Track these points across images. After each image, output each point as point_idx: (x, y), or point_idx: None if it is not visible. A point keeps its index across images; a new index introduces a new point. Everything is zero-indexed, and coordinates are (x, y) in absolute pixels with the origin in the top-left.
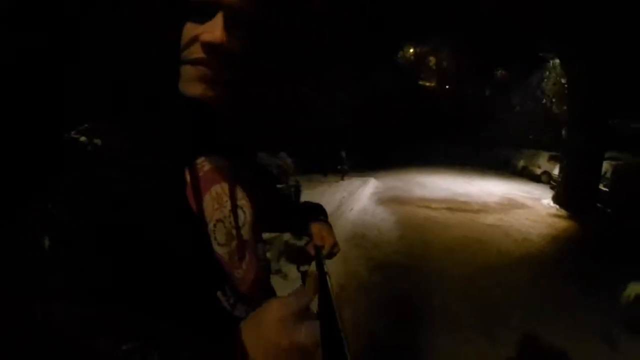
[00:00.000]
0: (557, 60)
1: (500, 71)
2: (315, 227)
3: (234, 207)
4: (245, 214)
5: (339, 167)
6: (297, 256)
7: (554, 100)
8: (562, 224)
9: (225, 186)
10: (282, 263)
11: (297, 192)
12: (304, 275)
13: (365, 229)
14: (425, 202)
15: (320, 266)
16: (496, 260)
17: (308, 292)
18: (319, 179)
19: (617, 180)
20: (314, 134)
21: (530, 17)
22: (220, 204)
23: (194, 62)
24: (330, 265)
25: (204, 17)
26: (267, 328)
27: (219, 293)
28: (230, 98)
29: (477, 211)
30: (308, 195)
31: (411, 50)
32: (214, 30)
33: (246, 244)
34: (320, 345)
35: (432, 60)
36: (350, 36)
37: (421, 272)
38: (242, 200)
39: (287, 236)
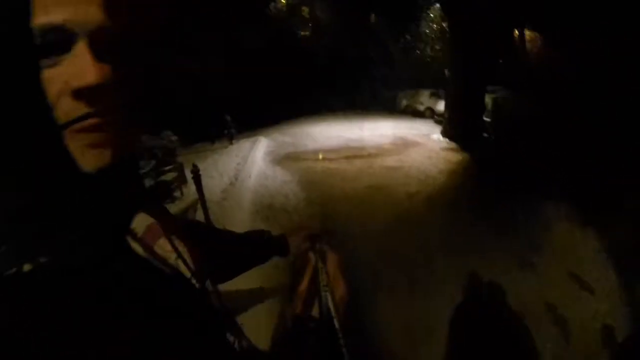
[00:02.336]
0: (437, 5)
1: (375, 18)
2: (331, 266)
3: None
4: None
5: (225, 131)
6: None
7: (429, 43)
8: (456, 157)
9: (165, 240)
10: None
11: (182, 175)
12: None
13: (270, 197)
14: (321, 154)
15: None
16: (407, 203)
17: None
18: (207, 147)
19: (497, 112)
20: (194, 102)
21: None
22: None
23: (77, 123)
24: None
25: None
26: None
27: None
28: (130, 135)
29: (375, 155)
30: (202, 169)
31: (283, 1)
32: (81, 68)
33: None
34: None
35: (306, 10)
36: None
37: (340, 233)
38: (185, 253)
39: None
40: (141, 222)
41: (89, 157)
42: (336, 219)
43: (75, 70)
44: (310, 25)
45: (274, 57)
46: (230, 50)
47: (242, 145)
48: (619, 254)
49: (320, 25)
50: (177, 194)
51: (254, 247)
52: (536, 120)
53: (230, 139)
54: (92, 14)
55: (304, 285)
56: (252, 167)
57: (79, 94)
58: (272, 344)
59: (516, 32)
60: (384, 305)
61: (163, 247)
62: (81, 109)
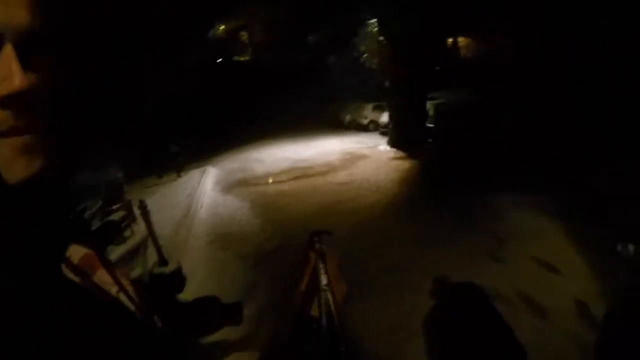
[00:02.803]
0: (374, 20)
1: (313, 37)
2: (332, 266)
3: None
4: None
5: (172, 163)
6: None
7: (368, 57)
8: (405, 164)
9: (104, 272)
10: None
11: (129, 213)
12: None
13: (224, 226)
14: (271, 178)
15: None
16: (365, 214)
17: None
18: (155, 181)
19: (438, 117)
20: (139, 134)
21: None
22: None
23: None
24: (205, 282)
25: None
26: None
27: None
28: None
29: (325, 173)
30: (150, 204)
31: (222, 27)
32: (7, 73)
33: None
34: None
35: (245, 35)
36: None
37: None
38: (129, 287)
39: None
40: (76, 251)
41: (16, 166)
42: (292, 238)
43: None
44: (249, 49)
45: (215, 83)
46: (171, 75)
47: (190, 176)
48: (577, 231)
49: (260, 48)
50: (127, 233)
51: (205, 316)
52: (475, 117)
53: (178, 170)
54: (19, 17)
55: (303, 284)
56: (203, 198)
57: (4, 99)
58: (272, 344)
59: (450, 40)
60: (361, 313)
61: (102, 278)
62: (6, 114)
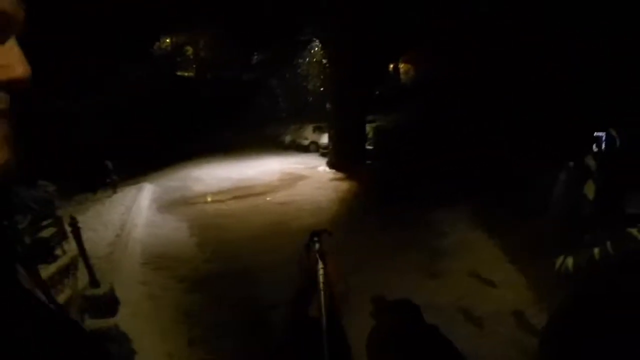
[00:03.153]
0: (317, 42)
1: (257, 56)
2: (332, 266)
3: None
4: None
5: (107, 180)
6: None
7: (310, 78)
8: (344, 185)
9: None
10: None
11: (60, 230)
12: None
13: (160, 246)
14: (209, 197)
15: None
16: (303, 235)
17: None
18: (88, 198)
19: (377, 138)
20: (72, 148)
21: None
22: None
23: None
24: (140, 305)
25: None
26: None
27: None
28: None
29: (264, 193)
30: (82, 222)
31: (167, 41)
32: (9, 59)
33: None
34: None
35: (189, 50)
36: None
37: (236, 270)
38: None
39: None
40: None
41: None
42: (232, 259)
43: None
44: (194, 65)
45: (157, 98)
46: (114, 88)
47: (126, 194)
48: (510, 244)
49: (204, 65)
50: (58, 251)
51: None
52: (413, 140)
53: (114, 187)
54: None
55: (303, 284)
56: (138, 216)
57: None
58: (273, 342)
59: (391, 66)
60: None
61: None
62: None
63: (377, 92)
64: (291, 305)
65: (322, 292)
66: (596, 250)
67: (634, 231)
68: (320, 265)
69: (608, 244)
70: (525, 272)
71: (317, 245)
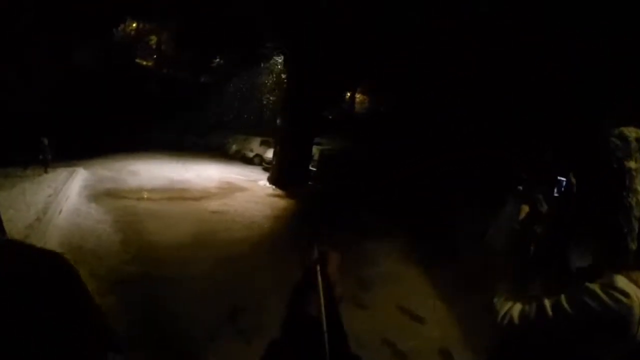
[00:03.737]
0: (279, 57)
1: (218, 61)
2: (332, 266)
3: None
4: None
5: (40, 157)
6: None
7: (265, 91)
8: (281, 203)
9: None
10: None
11: None
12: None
13: (80, 238)
14: (143, 194)
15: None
16: (236, 250)
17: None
18: (17, 173)
19: (322, 162)
20: (6, 120)
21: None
22: None
23: None
24: None
25: None
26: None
27: None
28: None
29: (199, 198)
30: (5, 197)
31: (133, 25)
32: None
33: None
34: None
35: (153, 39)
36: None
37: (157, 278)
38: None
39: None
40: None
41: None
42: (154, 265)
43: None
44: (154, 56)
45: (109, 81)
46: (58, 66)
47: (58, 175)
48: (441, 281)
49: (164, 57)
50: None
51: None
52: (357, 168)
53: (45, 166)
54: None
55: (302, 284)
56: (64, 202)
57: None
58: (272, 342)
59: (348, 94)
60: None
61: None
62: None
63: (329, 117)
64: (289, 305)
65: (322, 293)
66: (547, 303)
67: (595, 287)
68: (321, 266)
69: (563, 297)
70: (455, 309)
71: (317, 245)
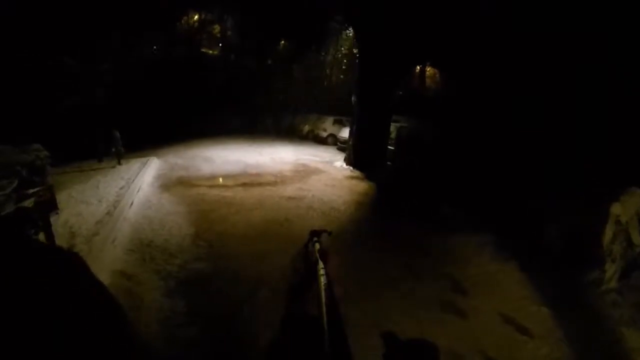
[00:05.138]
0: (349, 32)
1: (283, 43)
2: (332, 266)
3: None
4: None
5: (113, 149)
6: None
7: (334, 69)
8: (361, 186)
9: None
10: None
11: (51, 200)
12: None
13: (151, 232)
14: (216, 181)
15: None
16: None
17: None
18: (92, 166)
19: (400, 141)
20: (79, 113)
21: None
22: None
23: None
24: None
25: None
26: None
27: None
28: None
29: (274, 183)
30: (79, 191)
31: (195, 17)
32: None
33: None
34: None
35: (217, 28)
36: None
37: (230, 279)
38: None
39: None
40: None
41: None
42: (226, 261)
43: None
44: (220, 45)
45: (176, 72)
46: (125, 56)
47: (131, 166)
48: (548, 287)
49: (229, 45)
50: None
51: None
52: (437, 148)
53: (119, 158)
54: None
55: (302, 284)
56: (135, 193)
57: None
58: (272, 342)
59: (418, 67)
60: None
61: None
62: None
63: (400, 93)
64: (286, 304)
65: (322, 292)
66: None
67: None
68: (321, 265)
69: None
70: (560, 319)
71: (317, 245)
